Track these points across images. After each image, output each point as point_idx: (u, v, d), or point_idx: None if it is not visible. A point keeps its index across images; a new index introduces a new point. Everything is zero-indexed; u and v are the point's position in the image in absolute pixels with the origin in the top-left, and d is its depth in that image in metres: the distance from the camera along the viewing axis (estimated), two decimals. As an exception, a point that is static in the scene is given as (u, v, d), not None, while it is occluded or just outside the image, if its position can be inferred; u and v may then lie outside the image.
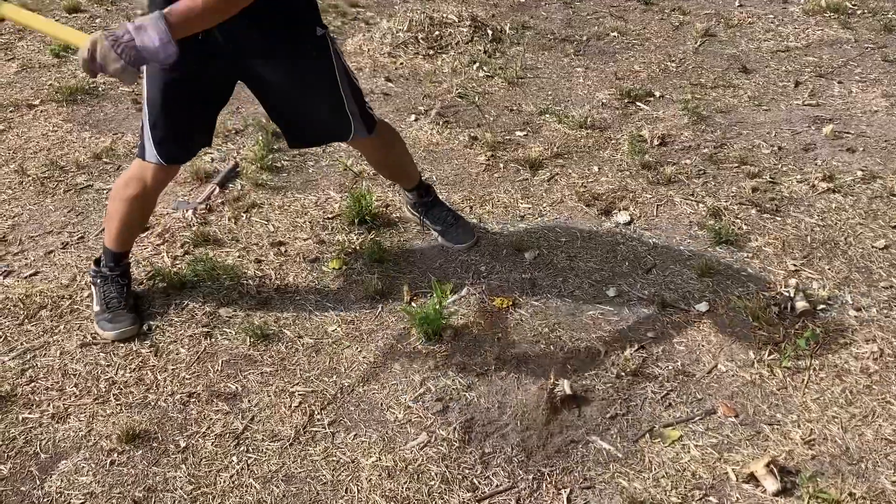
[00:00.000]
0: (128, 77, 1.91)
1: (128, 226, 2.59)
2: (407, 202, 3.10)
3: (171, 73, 2.24)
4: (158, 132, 2.35)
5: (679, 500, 2.05)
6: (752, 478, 2.09)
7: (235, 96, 4.23)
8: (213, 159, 3.59)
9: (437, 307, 2.55)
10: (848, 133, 3.80)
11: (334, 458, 2.18)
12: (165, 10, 1.90)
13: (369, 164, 3.04)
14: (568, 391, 2.32)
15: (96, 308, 2.63)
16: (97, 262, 2.69)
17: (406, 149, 2.90)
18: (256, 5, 2.01)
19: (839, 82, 4.33)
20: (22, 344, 2.55)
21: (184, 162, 2.58)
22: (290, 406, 2.34)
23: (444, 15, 5.01)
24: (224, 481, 2.12)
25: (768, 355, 2.49)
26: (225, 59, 2.29)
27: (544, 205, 3.28)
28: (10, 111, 3.99)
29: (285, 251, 2.99)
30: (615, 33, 4.94)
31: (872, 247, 2.99)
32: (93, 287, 2.68)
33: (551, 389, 2.35)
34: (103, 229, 3.09)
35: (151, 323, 2.63)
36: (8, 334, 2.59)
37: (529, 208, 3.25)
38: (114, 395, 2.37)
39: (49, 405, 2.34)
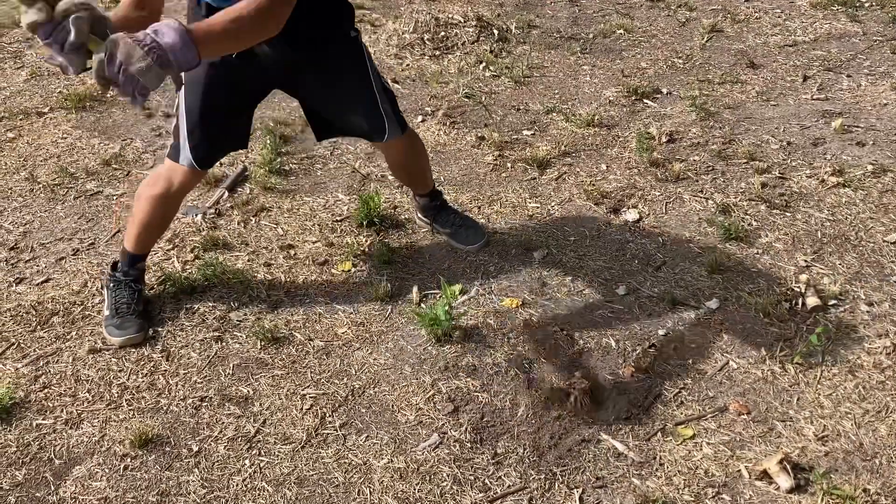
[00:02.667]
0: (151, 79, 1.71)
1: (149, 226, 2.58)
2: (417, 208, 3.10)
3: (210, 80, 2.27)
4: (195, 137, 2.37)
5: (692, 499, 2.05)
6: (765, 475, 2.08)
7: (243, 100, 4.20)
8: (221, 164, 3.60)
9: (447, 308, 2.55)
10: (857, 127, 3.78)
11: (346, 461, 2.19)
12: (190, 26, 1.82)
13: (390, 167, 3.01)
14: (579, 390, 2.32)
15: (106, 312, 2.64)
16: (114, 265, 2.70)
17: (427, 154, 2.94)
18: (298, 11, 1.93)
19: (848, 76, 4.30)
20: (35, 350, 2.57)
21: (213, 165, 2.58)
22: (302, 409, 2.35)
23: (450, 15, 5.01)
24: (237, 485, 2.13)
25: (780, 352, 2.48)
26: (266, 64, 2.32)
27: (552, 204, 3.27)
28: (20, 119, 4.01)
29: (295, 254, 2.99)
30: (621, 31, 4.92)
31: (883, 241, 2.97)
32: (105, 291, 2.68)
33: (562, 389, 2.34)
34: (118, 232, 3.11)
35: (157, 329, 2.63)
36: (21, 341, 2.60)
37: (538, 207, 3.25)
38: (126, 400, 2.39)
39: (62, 411, 2.35)
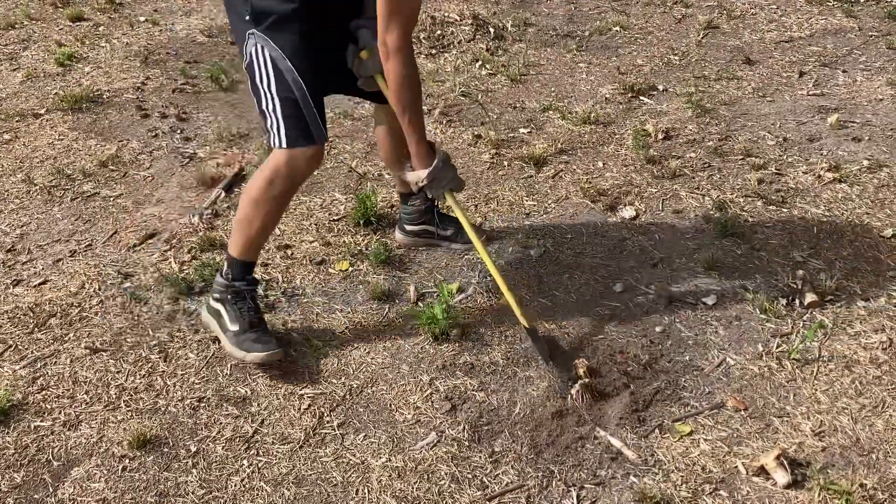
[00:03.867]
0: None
1: (268, 229, 2.46)
2: (407, 218, 2.95)
3: (311, 50, 2.29)
4: (323, 112, 2.33)
5: (690, 495, 2.05)
6: (762, 471, 2.09)
7: (239, 100, 4.24)
8: (218, 164, 3.60)
9: (444, 307, 2.55)
10: (853, 122, 3.78)
11: (344, 460, 2.19)
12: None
13: (390, 139, 2.78)
14: (576, 388, 2.32)
15: (232, 327, 2.44)
16: (224, 275, 2.49)
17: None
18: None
19: (844, 71, 4.31)
20: (32, 352, 2.57)
21: None
22: (300, 408, 2.35)
23: (446, 14, 5.01)
24: (235, 485, 2.13)
25: (777, 347, 2.49)
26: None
27: (549, 201, 3.27)
28: (17, 121, 4.01)
29: (292, 254, 2.99)
30: (617, 28, 4.92)
31: (880, 236, 2.98)
32: (223, 306, 2.47)
33: (560, 386, 2.35)
34: (115, 233, 3.11)
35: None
36: (18, 343, 2.61)
37: (534, 205, 3.25)
38: (124, 401, 2.39)
39: (60, 413, 2.35)
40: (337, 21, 2.40)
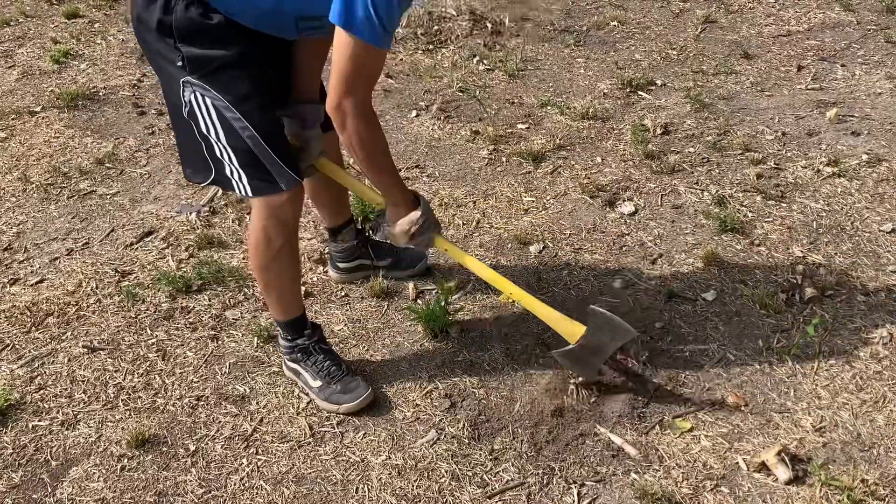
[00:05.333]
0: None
1: (294, 279, 2.32)
2: (339, 255, 2.77)
3: (263, 95, 2.08)
4: (286, 155, 2.11)
5: (690, 492, 2.05)
6: (763, 467, 2.08)
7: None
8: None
9: (443, 304, 2.54)
10: (852, 116, 3.77)
11: (344, 458, 2.18)
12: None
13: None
14: (576, 385, 2.31)
15: (315, 384, 2.34)
16: (284, 338, 2.39)
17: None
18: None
19: (842, 65, 4.29)
20: (30, 352, 2.56)
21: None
22: (299, 407, 2.34)
23: (443, 9, 4.99)
24: (234, 484, 2.12)
25: (777, 343, 2.48)
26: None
27: (548, 197, 3.26)
28: (12, 118, 3.99)
29: (290, 251, 2.98)
30: (615, 22, 4.91)
31: (880, 230, 2.97)
32: (298, 365, 2.38)
33: (560, 383, 2.34)
34: (111, 231, 3.09)
35: (153, 329, 2.62)
36: (15, 342, 2.59)
37: (533, 201, 3.24)
38: (122, 400, 2.38)
39: (58, 412, 2.34)
40: (282, 79, 2.21)
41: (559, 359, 2.28)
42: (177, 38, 1.95)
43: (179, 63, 1.98)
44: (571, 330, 2.27)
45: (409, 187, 2.26)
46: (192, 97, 2.01)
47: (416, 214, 2.17)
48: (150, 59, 2.11)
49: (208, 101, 2.00)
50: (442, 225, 2.35)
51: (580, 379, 2.32)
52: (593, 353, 2.23)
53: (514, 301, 2.68)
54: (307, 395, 2.36)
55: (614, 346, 2.22)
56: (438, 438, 2.23)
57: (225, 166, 2.11)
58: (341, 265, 2.80)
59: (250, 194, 2.12)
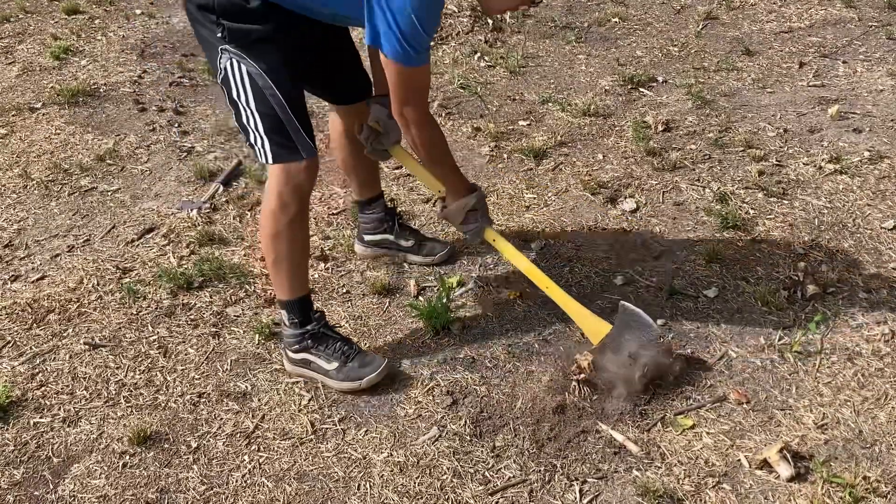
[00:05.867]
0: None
1: (303, 252, 2.34)
2: (367, 227, 2.86)
3: (286, 63, 2.20)
4: (308, 126, 2.23)
5: (692, 489, 2.05)
6: (765, 464, 2.08)
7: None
8: (216, 158, 3.58)
9: (445, 301, 2.54)
10: (854, 113, 3.77)
11: (346, 455, 2.18)
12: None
13: (348, 142, 2.69)
14: (577, 382, 2.31)
15: (330, 367, 2.34)
16: (290, 325, 2.37)
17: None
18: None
19: (844, 62, 4.29)
20: (31, 348, 2.56)
21: None
22: (300, 404, 2.34)
23: (444, 6, 4.98)
24: (236, 481, 2.12)
25: (779, 340, 2.48)
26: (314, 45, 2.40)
27: (549, 194, 3.26)
28: (13, 115, 3.98)
29: (291, 248, 2.98)
30: (616, 19, 4.90)
31: (881, 227, 2.97)
32: (307, 354, 2.36)
33: (561, 381, 2.34)
34: (113, 228, 3.09)
35: (154, 326, 2.62)
36: (17, 339, 2.59)
37: (534, 198, 3.24)
38: (124, 397, 2.38)
39: (60, 409, 2.34)
40: (314, 52, 2.39)
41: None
42: (218, 15, 2.11)
43: (220, 34, 2.13)
44: (597, 328, 2.36)
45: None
46: (228, 64, 2.15)
47: (470, 198, 2.42)
48: (192, 26, 2.25)
49: (244, 67, 2.14)
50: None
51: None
52: (614, 352, 2.30)
53: (515, 298, 2.69)
54: (321, 381, 2.36)
55: (634, 344, 2.28)
56: (440, 435, 2.23)
57: (250, 133, 2.21)
58: (367, 237, 2.88)
59: (270, 161, 2.21)
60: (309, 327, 2.35)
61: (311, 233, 3.04)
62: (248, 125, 2.20)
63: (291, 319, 2.36)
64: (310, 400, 2.35)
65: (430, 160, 2.42)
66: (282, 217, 2.23)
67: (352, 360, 2.34)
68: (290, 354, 2.40)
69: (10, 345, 2.57)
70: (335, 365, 2.34)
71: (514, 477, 2.10)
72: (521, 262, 2.47)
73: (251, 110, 2.17)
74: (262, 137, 2.19)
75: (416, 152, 2.39)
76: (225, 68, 2.16)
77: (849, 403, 2.27)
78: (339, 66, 2.52)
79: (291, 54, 2.23)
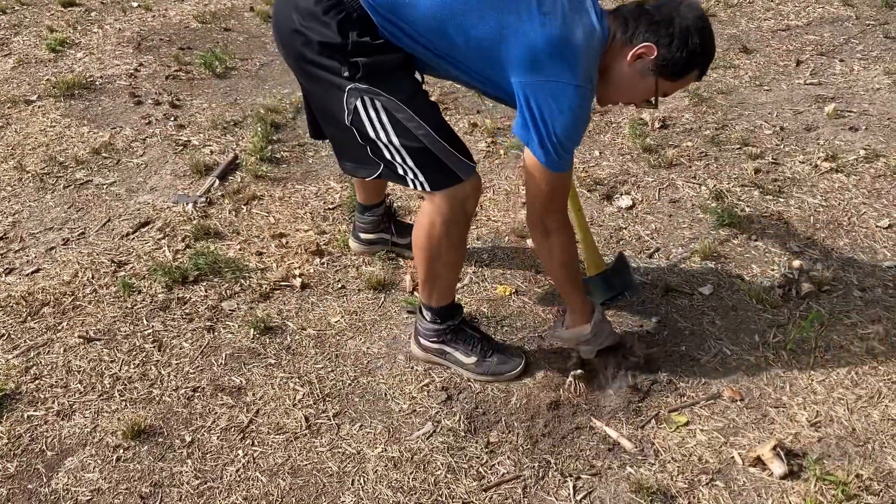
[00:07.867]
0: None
1: (458, 270, 2.34)
2: (364, 227, 2.84)
3: (425, 93, 2.16)
4: (459, 144, 2.15)
5: (686, 486, 2.05)
6: (758, 461, 2.09)
7: (233, 87, 4.21)
8: (212, 152, 3.58)
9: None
10: (850, 112, 3.77)
11: (340, 450, 2.18)
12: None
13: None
14: (572, 378, 2.31)
15: (469, 360, 2.37)
16: (432, 321, 2.37)
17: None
18: None
19: (841, 60, 4.29)
20: (25, 341, 2.55)
21: None
22: (295, 398, 2.34)
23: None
24: (230, 475, 2.12)
25: (773, 338, 2.49)
26: None
27: (546, 191, 3.26)
28: (8, 107, 3.97)
29: (286, 243, 2.98)
30: (614, 15, 4.90)
31: (876, 226, 2.98)
32: (445, 346, 2.39)
33: (556, 377, 2.34)
34: (108, 221, 3.08)
35: (149, 320, 2.62)
36: (11, 332, 2.59)
37: (531, 194, 3.23)
38: (118, 390, 2.37)
39: (54, 402, 2.34)
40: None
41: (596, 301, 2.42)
42: (352, 53, 2.00)
43: (346, 73, 2.01)
44: (596, 262, 2.58)
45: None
46: (359, 102, 2.04)
47: (586, 328, 2.30)
48: (300, 67, 2.12)
49: (377, 102, 2.04)
50: (619, 337, 2.46)
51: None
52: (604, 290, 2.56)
53: (510, 294, 2.69)
54: (454, 369, 2.40)
55: (619, 291, 2.57)
56: (434, 431, 2.23)
57: (397, 167, 2.12)
58: (363, 236, 2.86)
59: (429, 189, 2.13)
60: (450, 323, 2.38)
61: (307, 227, 3.05)
62: (395, 160, 2.11)
63: (434, 318, 2.37)
64: (304, 395, 2.35)
65: (565, 272, 2.22)
66: (445, 241, 2.19)
67: (490, 356, 2.37)
68: (425, 342, 2.42)
69: (4, 338, 2.56)
70: (474, 359, 2.38)
71: (508, 473, 2.11)
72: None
73: (394, 146, 2.08)
74: (412, 170, 2.11)
75: (549, 265, 2.23)
76: (356, 107, 2.05)
77: (842, 401, 2.27)
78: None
79: (420, 82, 2.16)
